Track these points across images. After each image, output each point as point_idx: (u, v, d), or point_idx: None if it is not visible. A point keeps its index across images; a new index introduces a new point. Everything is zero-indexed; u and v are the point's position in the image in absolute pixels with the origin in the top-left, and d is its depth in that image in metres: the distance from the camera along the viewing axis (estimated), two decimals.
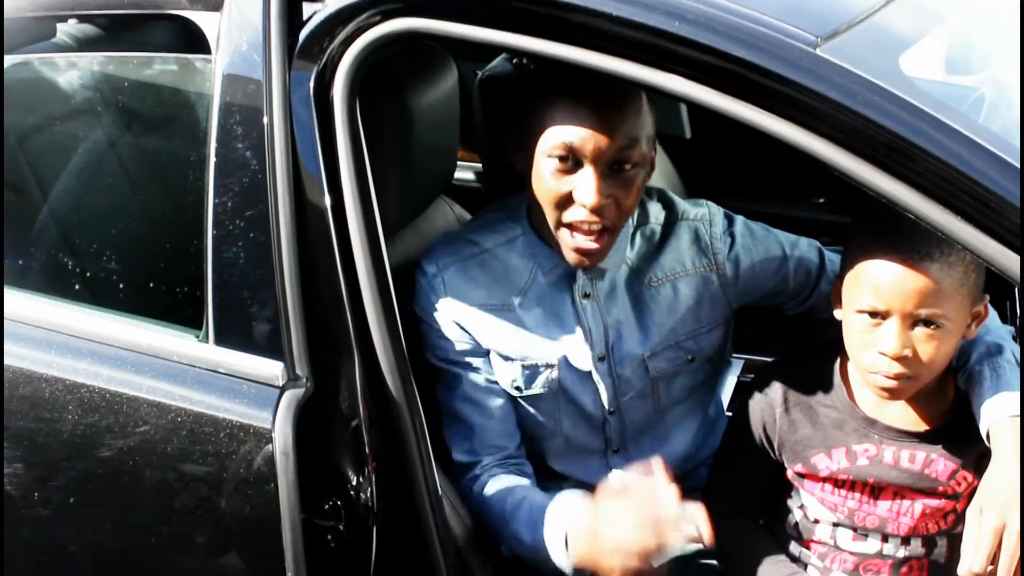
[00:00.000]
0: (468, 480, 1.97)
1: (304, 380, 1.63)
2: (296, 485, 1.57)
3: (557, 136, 1.74)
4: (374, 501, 1.66)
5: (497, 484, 1.93)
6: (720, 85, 1.48)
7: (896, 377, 1.66)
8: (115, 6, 1.77)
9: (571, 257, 1.82)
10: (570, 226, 1.79)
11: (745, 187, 3.13)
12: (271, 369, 1.62)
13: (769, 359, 2.75)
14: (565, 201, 1.78)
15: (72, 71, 1.77)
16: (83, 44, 1.87)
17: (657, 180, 3.02)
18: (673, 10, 1.47)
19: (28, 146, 1.80)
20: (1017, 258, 1.43)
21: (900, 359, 1.65)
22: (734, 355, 2.17)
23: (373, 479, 1.66)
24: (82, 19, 1.96)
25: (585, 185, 1.74)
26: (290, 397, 1.61)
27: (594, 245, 1.79)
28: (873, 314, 1.66)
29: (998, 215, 1.41)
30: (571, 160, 1.74)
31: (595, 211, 1.75)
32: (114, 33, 1.93)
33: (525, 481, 1.95)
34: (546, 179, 1.77)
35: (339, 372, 1.66)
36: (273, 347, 1.63)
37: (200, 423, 1.62)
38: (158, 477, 1.65)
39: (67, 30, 1.99)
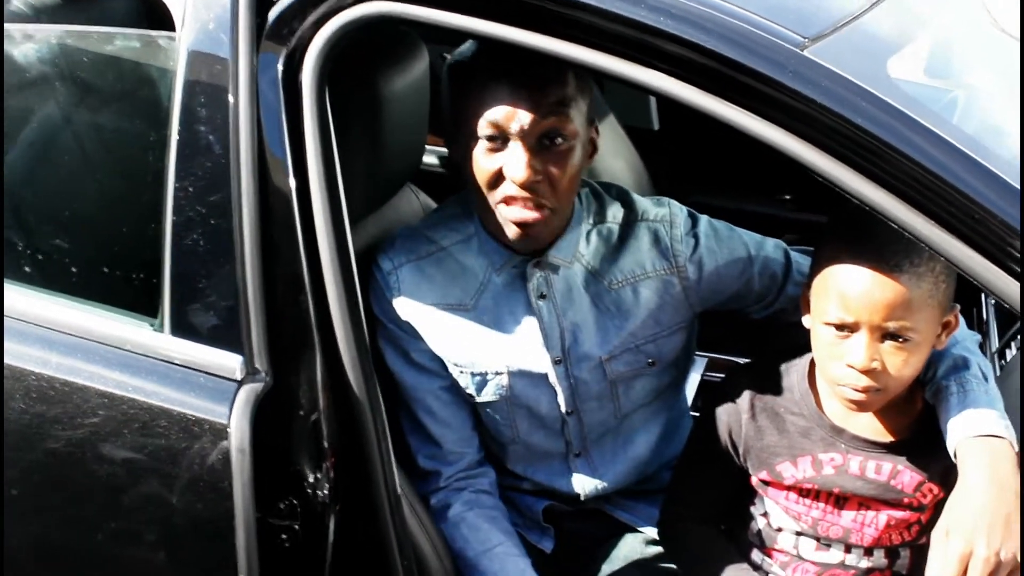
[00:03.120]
0: (430, 492, 1.95)
1: (263, 374, 1.58)
2: (251, 483, 1.52)
3: (483, 117, 1.73)
4: (331, 499, 1.62)
5: (457, 514, 1.93)
6: (704, 83, 1.44)
7: (864, 390, 1.64)
8: None
9: (511, 232, 1.79)
10: (505, 201, 1.77)
11: (712, 181, 3.12)
12: (229, 362, 1.57)
13: (733, 357, 2.75)
14: (497, 179, 1.75)
15: (28, 43, 1.69)
16: (40, 14, 1.80)
17: (624, 172, 3.01)
18: (659, 5, 1.43)
19: None
20: (998, 269, 1.41)
21: (868, 372, 1.62)
22: (697, 353, 2.13)
23: (331, 477, 1.62)
24: None
25: (514, 161, 1.72)
26: (248, 392, 1.55)
27: (532, 215, 1.76)
28: (841, 326, 1.63)
29: (981, 226, 1.39)
30: (500, 139, 1.73)
31: (527, 188, 1.73)
32: (73, 4, 1.85)
33: (488, 513, 1.94)
34: (477, 160, 1.76)
35: (299, 366, 1.61)
36: (232, 339, 1.57)
37: (153, 416, 1.56)
38: (107, 471, 1.59)
39: None
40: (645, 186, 3.07)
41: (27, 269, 1.70)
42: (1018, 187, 1.38)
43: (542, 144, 1.73)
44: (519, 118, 1.71)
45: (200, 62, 1.56)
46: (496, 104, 1.72)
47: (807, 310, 1.73)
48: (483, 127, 1.73)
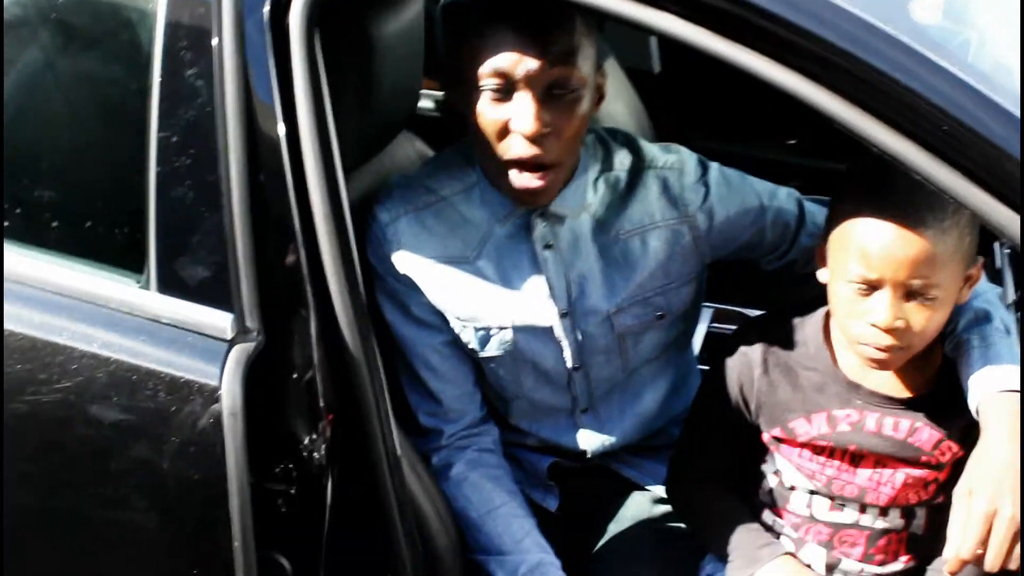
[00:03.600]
0: (432, 451, 1.89)
1: (255, 333, 1.50)
2: (244, 447, 1.45)
3: (488, 64, 1.64)
4: (328, 462, 1.55)
5: (460, 473, 1.86)
6: (717, 26, 1.36)
7: (887, 349, 1.57)
8: None
9: (518, 188, 1.71)
10: (514, 164, 1.69)
11: (716, 126, 3.03)
12: (219, 320, 1.49)
13: (741, 308, 2.68)
14: (503, 131, 1.67)
15: None
16: None
17: (624, 115, 2.92)
18: None
19: None
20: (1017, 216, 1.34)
21: (892, 331, 1.55)
22: (704, 304, 2.07)
23: (327, 438, 1.55)
24: None
25: (521, 112, 1.64)
26: (239, 352, 1.47)
27: (538, 183, 1.69)
28: (862, 284, 1.56)
29: (1008, 176, 1.31)
30: (505, 88, 1.65)
31: (535, 141, 1.65)
32: None
33: (491, 473, 1.88)
34: (482, 111, 1.67)
35: (292, 323, 1.53)
36: (221, 296, 1.50)
37: (140, 378, 1.49)
38: (94, 435, 1.52)
39: None
40: (646, 130, 2.98)
41: (7, 224, 1.62)
42: None
43: (549, 94, 1.65)
44: (526, 67, 1.63)
45: (182, 3, 1.47)
46: (501, 51, 1.63)
47: (823, 263, 1.67)
48: (487, 76, 1.65)
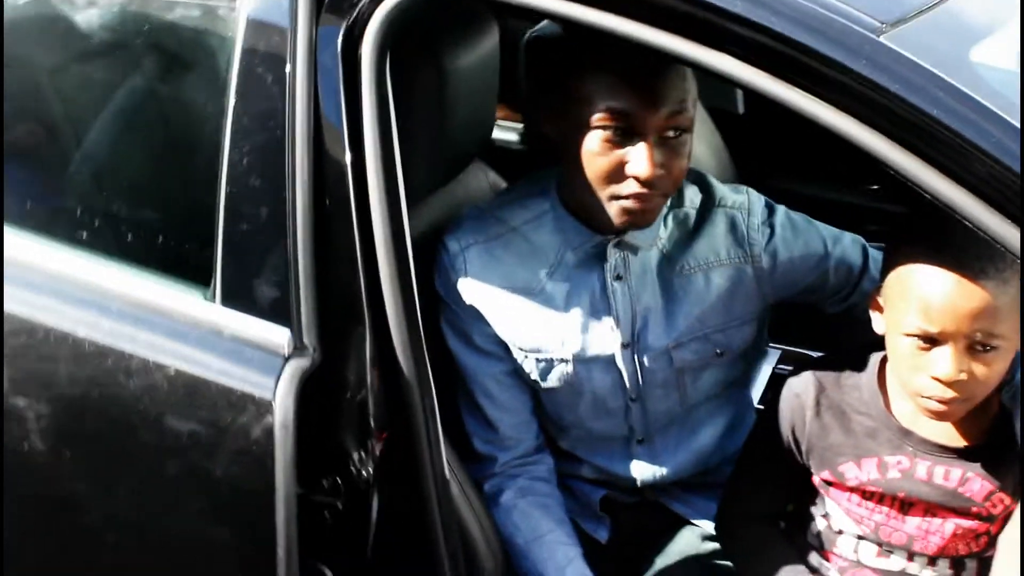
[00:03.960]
0: (485, 477, 1.92)
1: (311, 350, 1.55)
2: (294, 460, 1.50)
3: (606, 106, 1.65)
4: (376, 479, 1.59)
5: (510, 500, 1.89)
6: (775, 69, 1.37)
7: (949, 401, 1.56)
8: None
9: (620, 219, 1.73)
10: (623, 196, 1.71)
11: (797, 167, 3.02)
12: (277, 336, 1.54)
13: (807, 351, 2.66)
14: (616, 174, 1.69)
15: (90, 10, 1.68)
16: None
17: (707, 156, 2.93)
18: None
19: (38, 86, 1.72)
20: None
21: (955, 384, 1.54)
22: (771, 345, 2.06)
23: (376, 456, 1.59)
24: None
25: (639, 157, 1.66)
26: (294, 367, 1.52)
27: (647, 205, 1.71)
28: (923, 337, 1.55)
29: None
30: (622, 132, 1.66)
31: (648, 183, 1.67)
32: None
33: (541, 501, 1.90)
34: (594, 152, 1.68)
35: (348, 343, 1.58)
36: (281, 313, 1.55)
37: (198, 386, 1.55)
38: (151, 439, 1.58)
39: None
40: (728, 170, 2.99)
41: (84, 235, 1.70)
42: None
43: (663, 138, 1.68)
44: (649, 113, 1.65)
45: (259, 32, 1.53)
46: (622, 98, 1.65)
47: (877, 309, 1.66)
48: (604, 119, 1.66)
